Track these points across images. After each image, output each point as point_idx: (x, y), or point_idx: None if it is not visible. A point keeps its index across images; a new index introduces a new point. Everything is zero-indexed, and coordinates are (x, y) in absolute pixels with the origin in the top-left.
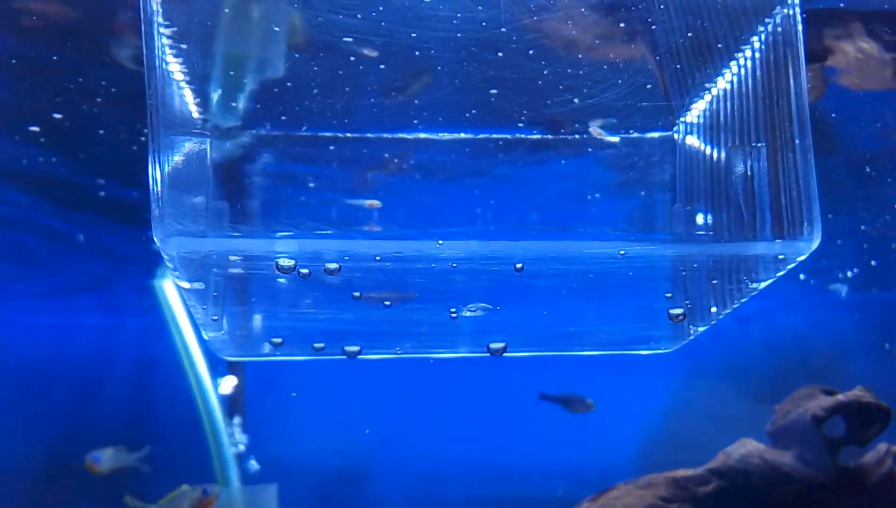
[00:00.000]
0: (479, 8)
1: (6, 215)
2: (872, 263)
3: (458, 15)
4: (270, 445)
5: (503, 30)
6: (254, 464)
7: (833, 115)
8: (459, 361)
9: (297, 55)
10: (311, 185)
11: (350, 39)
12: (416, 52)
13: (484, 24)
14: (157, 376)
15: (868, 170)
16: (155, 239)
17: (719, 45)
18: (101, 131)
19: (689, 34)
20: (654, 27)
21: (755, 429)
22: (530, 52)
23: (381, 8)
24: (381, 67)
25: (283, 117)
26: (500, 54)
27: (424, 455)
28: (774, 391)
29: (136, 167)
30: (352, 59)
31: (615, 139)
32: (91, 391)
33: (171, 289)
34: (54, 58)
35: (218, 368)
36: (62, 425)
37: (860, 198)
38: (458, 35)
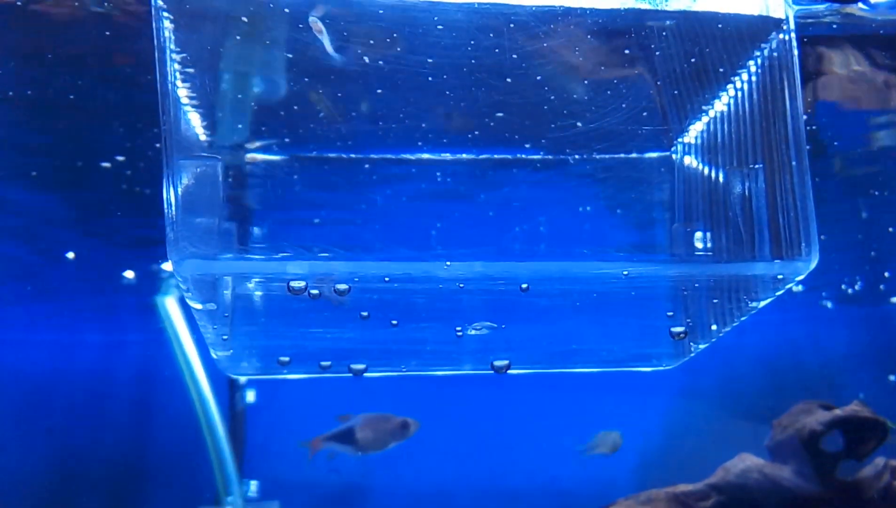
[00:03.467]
0: (491, 35)
1: (8, 231)
2: (867, 278)
3: (472, 42)
4: (272, 463)
5: (514, 56)
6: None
7: (827, 132)
8: (460, 379)
9: (305, 79)
10: (318, 205)
11: (364, 64)
12: (430, 78)
13: (496, 50)
14: (159, 393)
15: (862, 185)
16: (170, 261)
17: (717, 70)
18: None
19: (689, 59)
20: (653, 53)
21: (754, 445)
22: (538, 77)
23: (395, 35)
24: (393, 91)
25: (290, 139)
26: (508, 80)
27: (424, 473)
28: (772, 407)
29: (142, 190)
30: (360, 82)
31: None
32: (93, 407)
33: (173, 306)
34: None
35: (220, 385)
36: (64, 441)
37: (853, 213)
38: (471, 61)
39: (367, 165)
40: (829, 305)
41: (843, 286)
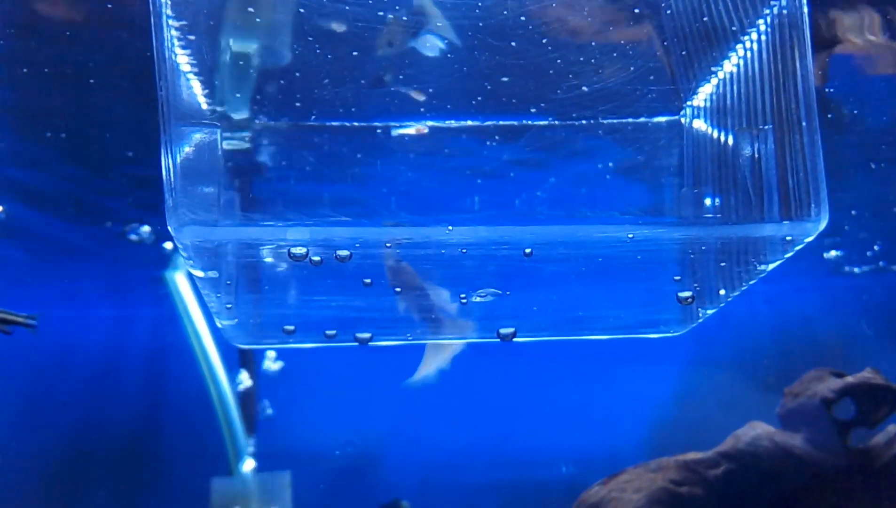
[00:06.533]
0: None
1: (18, 207)
2: (881, 246)
3: (478, 4)
4: (284, 433)
5: (521, 18)
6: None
7: (844, 96)
8: (469, 347)
9: (310, 37)
10: (320, 173)
11: (358, 27)
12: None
13: (504, 12)
14: (170, 366)
15: (879, 151)
16: (169, 228)
17: (726, 29)
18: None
19: (699, 18)
20: (661, 12)
21: (765, 413)
22: (543, 40)
23: None
24: (391, 54)
25: (292, 107)
26: (513, 44)
27: (436, 443)
28: (784, 375)
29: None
30: (355, 47)
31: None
32: (105, 381)
33: (182, 280)
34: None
35: (231, 357)
36: (77, 415)
37: (868, 181)
38: (477, 24)
39: (371, 133)
40: (844, 270)
41: (857, 255)
